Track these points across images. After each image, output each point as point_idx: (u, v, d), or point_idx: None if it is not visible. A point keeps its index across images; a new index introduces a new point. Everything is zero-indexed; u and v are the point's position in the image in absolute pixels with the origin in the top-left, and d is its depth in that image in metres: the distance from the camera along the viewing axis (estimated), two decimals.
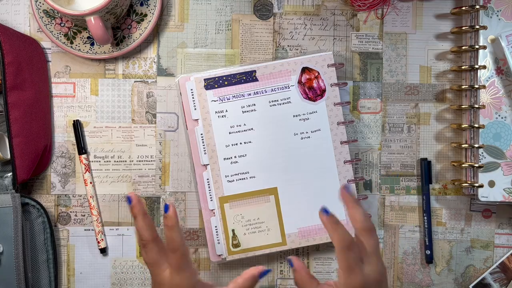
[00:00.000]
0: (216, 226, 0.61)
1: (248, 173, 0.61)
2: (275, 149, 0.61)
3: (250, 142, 0.61)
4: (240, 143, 0.61)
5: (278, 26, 0.65)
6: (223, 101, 0.60)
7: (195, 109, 0.61)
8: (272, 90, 0.61)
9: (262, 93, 0.61)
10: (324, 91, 0.61)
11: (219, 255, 0.61)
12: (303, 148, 0.61)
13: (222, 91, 0.60)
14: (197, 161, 0.61)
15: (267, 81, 0.61)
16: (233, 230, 0.61)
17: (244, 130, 0.61)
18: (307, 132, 0.61)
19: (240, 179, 0.61)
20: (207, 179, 0.61)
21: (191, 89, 0.60)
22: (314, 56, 0.61)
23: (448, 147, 0.66)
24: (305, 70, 0.61)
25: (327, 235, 0.59)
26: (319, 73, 0.61)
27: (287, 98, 0.61)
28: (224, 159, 0.61)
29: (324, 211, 0.48)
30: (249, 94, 0.61)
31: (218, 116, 0.61)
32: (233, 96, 0.61)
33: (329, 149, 0.61)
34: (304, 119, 0.61)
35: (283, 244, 0.61)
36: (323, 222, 0.48)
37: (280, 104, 0.61)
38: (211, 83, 0.60)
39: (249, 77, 0.61)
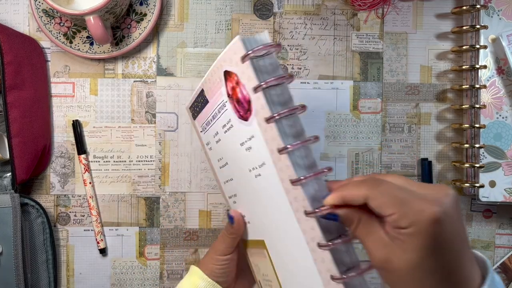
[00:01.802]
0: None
1: (245, 216, 0.47)
2: (246, 190, 0.44)
3: (231, 179, 0.46)
4: (228, 181, 0.47)
5: (278, 25, 0.64)
6: (205, 130, 0.48)
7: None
8: (218, 112, 0.44)
9: (216, 116, 0.44)
10: (249, 102, 0.39)
11: None
12: (260, 190, 0.41)
13: (201, 118, 0.48)
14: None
15: (213, 100, 0.44)
16: (259, 281, 0.49)
17: (224, 165, 0.46)
18: (256, 168, 0.40)
19: (247, 221, 0.47)
20: None
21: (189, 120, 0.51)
22: (226, 49, 0.40)
23: (448, 147, 0.66)
24: (227, 75, 0.41)
25: None
26: (238, 77, 0.39)
27: (229, 121, 0.42)
28: (229, 197, 0.49)
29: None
30: (211, 120, 0.46)
31: (209, 149, 0.49)
32: (206, 124, 0.47)
33: (281, 194, 0.38)
34: (248, 148, 0.41)
35: None
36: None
37: (228, 130, 0.43)
38: (193, 111, 0.49)
39: (202, 98, 0.46)
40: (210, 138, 0.47)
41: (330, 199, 0.35)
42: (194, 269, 0.51)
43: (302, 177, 0.36)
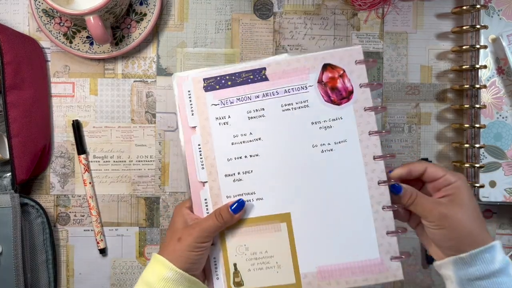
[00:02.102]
0: (215, 258, 0.51)
1: (254, 193, 0.50)
2: (289, 165, 0.50)
3: (257, 155, 0.50)
4: (245, 157, 0.50)
5: (278, 25, 0.64)
6: (226, 105, 0.51)
7: (192, 114, 0.51)
8: (285, 92, 0.50)
9: (273, 95, 0.50)
10: (351, 92, 0.50)
11: None
12: (324, 163, 0.49)
13: (224, 93, 0.51)
14: (193, 177, 0.51)
15: (280, 80, 0.50)
16: (234, 265, 0.51)
17: (250, 141, 0.50)
18: (329, 144, 0.49)
19: (246, 200, 0.50)
20: (205, 200, 0.51)
21: (188, 91, 0.51)
22: (338, 50, 0.51)
23: (449, 147, 0.66)
24: (327, 67, 0.50)
25: (355, 277, 0.49)
26: (344, 71, 0.50)
27: (304, 101, 0.50)
28: (226, 175, 0.50)
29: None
30: (257, 97, 0.50)
31: (219, 124, 0.51)
32: (238, 99, 0.50)
33: (358, 166, 0.49)
34: (325, 127, 0.50)
35: (298, 286, 0.49)
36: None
37: (295, 109, 0.50)
38: (212, 84, 0.51)
39: (258, 75, 0.50)
40: (232, 113, 0.51)
41: (398, 171, 0.49)
42: (157, 257, 0.49)
43: (387, 155, 0.49)
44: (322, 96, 0.50)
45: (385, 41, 0.65)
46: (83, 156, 0.62)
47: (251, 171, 0.50)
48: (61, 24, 0.61)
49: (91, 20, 0.53)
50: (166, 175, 0.64)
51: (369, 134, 0.50)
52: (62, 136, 0.63)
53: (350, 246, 0.49)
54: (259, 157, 0.50)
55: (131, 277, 0.64)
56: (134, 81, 0.64)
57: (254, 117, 0.51)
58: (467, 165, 0.62)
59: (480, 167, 0.61)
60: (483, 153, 0.62)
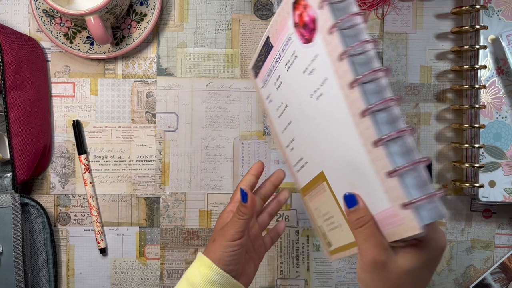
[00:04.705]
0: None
1: (302, 159, 0.49)
2: (304, 123, 0.46)
3: (291, 122, 0.49)
4: (286, 127, 0.50)
5: None
6: (265, 84, 0.52)
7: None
8: (283, 50, 0.47)
9: (279, 58, 0.48)
10: (315, 20, 0.42)
11: None
12: (320, 112, 0.43)
13: (261, 73, 0.52)
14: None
15: (278, 41, 0.48)
16: (320, 227, 0.49)
17: (284, 110, 0.49)
18: (318, 89, 0.43)
19: (301, 167, 0.49)
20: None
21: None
22: None
23: (448, 147, 0.66)
24: (295, 5, 0.45)
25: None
26: (306, 1, 0.43)
27: (293, 53, 0.45)
28: (286, 147, 0.51)
29: (349, 201, 0.40)
30: (274, 66, 0.49)
31: (268, 102, 0.52)
32: (267, 75, 0.51)
33: (341, 103, 0.40)
34: (310, 71, 0.43)
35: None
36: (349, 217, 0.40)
37: (291, 64, 0.46)
38: (256, 70, 0.53)
39: (267, 46, 0.50)
40: (270, 89, 0.50)
41: None
42: (203, 258, 0.48)
43: (360, 76, 0.37)
44: (300, 39, 0.44)
45: (385, 41, 0.65)
46: (83, 156, 0.63)
47: (293, 138, 0.49)
48: (62, 24, 0.61)
49: (92, 20, 0.53)
50: (166, 175, 0.64)
51: (340, 58, 0.39)
52: (62, 136, 0.63)
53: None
54: (293, 123, 0.48)
55: (131, 277, 0.64)
56: (135, 81, 0.64)
57: (278, 87, 0.49)
58: (466, 165, 0.62)
59: (480, 167, 0.61)
60: (482, 153, 0.62)
